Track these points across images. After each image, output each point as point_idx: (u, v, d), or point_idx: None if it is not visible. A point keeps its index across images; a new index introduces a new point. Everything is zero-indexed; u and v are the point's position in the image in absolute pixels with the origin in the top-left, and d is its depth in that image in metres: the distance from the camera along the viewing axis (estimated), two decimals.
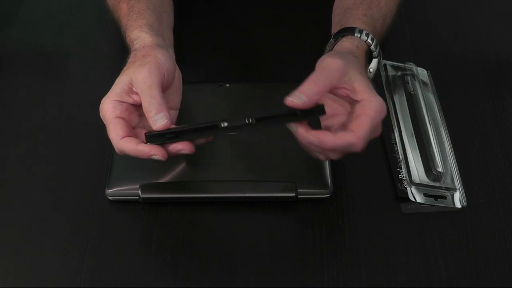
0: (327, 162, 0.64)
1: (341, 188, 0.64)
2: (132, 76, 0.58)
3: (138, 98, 0.58)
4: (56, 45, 0.79)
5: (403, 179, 0.65)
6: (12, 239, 0.62)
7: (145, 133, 0.56)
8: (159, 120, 0.56)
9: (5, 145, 0.69)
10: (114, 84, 0.59)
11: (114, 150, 0.64)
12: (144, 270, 0.59)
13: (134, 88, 0.58)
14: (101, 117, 0.58)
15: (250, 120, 0.55)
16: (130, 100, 0.58)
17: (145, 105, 0.56)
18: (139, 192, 0.62)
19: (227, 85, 0.71)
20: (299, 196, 0.62)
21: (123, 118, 0.57)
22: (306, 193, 0.63)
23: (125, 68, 0.60)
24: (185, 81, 0.72)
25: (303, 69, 0.77)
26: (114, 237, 0.62)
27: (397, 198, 0.64)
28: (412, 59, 0.76)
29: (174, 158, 0.64)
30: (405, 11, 0.82)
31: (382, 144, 0.68)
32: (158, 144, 0.56)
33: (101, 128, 0.69)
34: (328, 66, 0.58)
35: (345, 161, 0.67)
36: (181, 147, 0.57)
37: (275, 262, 0.60)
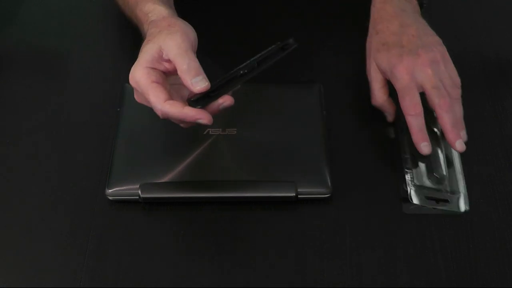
0: (327, 162, 0.64)
1: (341, 188, 0.64)
2: (162, 43, 0.58)
3: (169, 66, 0.58)
4: (56, 45, 0.79)
5: (410, 180, 0.64)
6: (12, 239, 0.62)
7: (188, 99, 0.58)
8: (200, 82, 0.57)
9: (5, 145, 0.69)
10: (141, 53, 0.59)
11: (114, 150, 0.65)
12: (144, 270, 0.59)
13: (164, 56, 0.58)
14: (134, 85, 0.58)
15: (256, 64, 0.62)
16: (161, 67, 0.59)
17: (183, 68, 0.57)
18: (139, 192, 0.62)
19: None
20: (299, 196, 0.62)
21: (159, 84, 0.57)
22: (306, 193, 0.63)
23: (149, 38, 0.60)
24: None
25: (303, 69, 0.78)
26: (114, 237, 0.62)
27: (398, 198, 0.64)
28: None
29: (174, 158, 0.64)
30: None
31: (388, 144, 0.68)
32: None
33: (101, 128, 0.70)
34: None
35: (346, 160, 0.67)
36: (223, 100, 0.58)
37: (275, 262, 0.60)
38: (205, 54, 0.78)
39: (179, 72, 0.57)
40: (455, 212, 0.63)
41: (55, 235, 0.62)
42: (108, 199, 0.63)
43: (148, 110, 0.70)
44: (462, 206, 0.63)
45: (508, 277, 0.59)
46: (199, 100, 0.57)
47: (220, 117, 0.67)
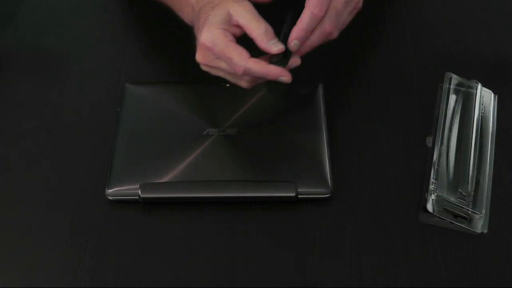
0: (327, 162, 0.64)
1: (341, 188, 0.64)
2: (231, 9, 0.60)
3: (237, 30, 0.61)
4: (56, 45, 0.79)
5: (433, 190, 0.63)
6: (12, 239, 0.62)
7: (270, 61, 0.60)
8: (276, 44, 0.59)
9: (5, 145, 0.69)
10: (209, 18, 0.60)
11: (114, 150, 0.65)
12: (144, 270, 0.59)
13: (233, 21, 0.60)
14: (210, 45, 0.59)
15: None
16: (232, 30, 0.60)
17: (260, 32, 0.59)
18: (139, 192, 0.62)
19: (227, 85, 0.71)
20: (299, 196, 0.62)
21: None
22: (306, 193, 0.63)
23: (212, 5, 0.61)
24: (185, 81, 0.73)
25: (303, 69, 0.77)
26: (114, 237, 0.62)
27: (398, 198, 0.64)
28: (413, 59, 0.76)
29: (174, 158, 0.64)
30: (404, 11, 0.82)
31: (388, 144, 0.68)
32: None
33: (101, 128, 0.69)
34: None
35: (346, 160, 0.67)
36: (294, 59, 0.62)
37: (275, 262, 0.60)
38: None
39: (254, 36, 0.59)
40: (472, 231, 0.62)
41: (55, 235, 0.62)
42: (108, 199, 0.63)
43: (148, 110, 0.70)
44: (480, 227, 0.62)
45: (508, 277, 0.59)
46: (278, 62, 0.60)
47: (220, 117, 0.68)
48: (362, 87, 0.73)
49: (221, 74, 0.63)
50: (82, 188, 0.65)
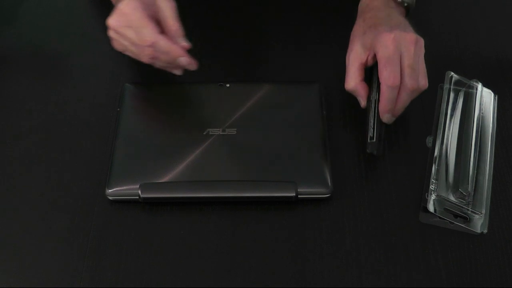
0: (327, 162, 0.64)
1: (341, 188, 0.64)
2: (158, 1, 0.66)
3: (154, 13, 0.66)
4: (56, 45, 0.79)
5: (433, 190, 0.63)
6: (12, 239, 0.62)
7: (367, 148, 0.65)
8: (185, 41, 0.67)
9: (5, 145, 0.69)
10: None
11: (114, 150, 0.65)
12: (144, 270, 0.59)
13: (155, 7, 0.66)
14: (127, 13, 0.65)
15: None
16: (152, 9, 0.66)
17: (175, 29, 0.66)
18: (139, 192, 0.62)
19: (227, 85, 0.71)
20: (299, 196, 0.62)
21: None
22: (306, 193, 0.63)
23: None
24: (185, 81, 0.73)
25: (303, 69, 0.77)
26: (114, 237, 0.62)
27: (398, 197, 0.64)
28: None
29: (174, 158, 0.64)
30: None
31: (387, 143, 0.68)
32: None
33: (101, 128, 0.70)
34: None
35: (346, 160, 0.67)
36: (189, 61, 0.67)
37: (275, 262, 0.60)
38: (207, 52, 0.79)
39: (169, 30, 0.66)
40: (472, 231, 0.62)
41: (55, 235, 0.62)
42: (108, 199, 0.63)
43: (148, 110, 0.70)
44: (480, 227, 0.62)
45: (508, 277, 0.59)
46: (374, 147, 0.65)
47: (220, 117, 0.68)
48: None
49: (125, 43, 0.67)
50: (82, 188, 0.65)
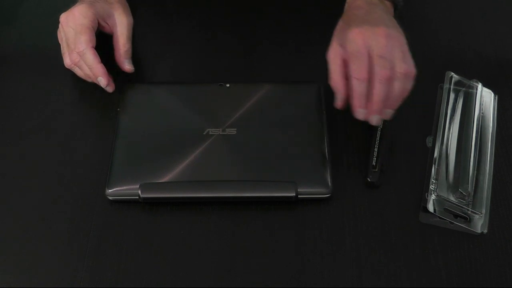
0: (327, 162, 0.64)
1: (341, 188, 0.64)
2: (117, 16, 0.71)
3: (102, 26, 0.71)
4: (56, 45, 0.79)
5: (433, 190, 0.63)
6: (12, 239, 0.62)
7: (366, 179, 0.65)
8: (129, 64, 0.72)
9: (6, 145, 0.69)
10: (96, 4, 0.69)
11: (114, 150, 0.65)
12: (144, 270, 0.59)
13: (109, 21, 0.71)
14: (76, 16, 0.68)
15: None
16: (100, 23, 0.71)
17: (125, 49, 0.71)
18: (139, 192, 0.62)
19: (227, 85, 0.71)
20: (299, 196, 0.62)
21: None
22: (306, 193, 0.63)
23: (107, 1, 0.71)
24: (185, 81, 0.73)
25: (303, 69, 0.77)
26: (114, 237, 0.62)
27: (398, 197, 0.64)
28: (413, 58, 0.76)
29: (174, 158, 0.64)
30: (404, 11, 0.82)
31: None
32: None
33: (101, 128, 0.69)
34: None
35: (346, 160, 0.67)
36: (126, 67, 0.73)
37: (275, 262, 0.60)
38: (207, 52, 0.79)
39: (118, 48, 0.71)
40: (472, 231, 0.62)
41: (55, 235, 0.62)
42: (108, 199, 0.63)
43: (148, 110, 0.70)
44: (480, 227, 0.62)
45: (508, 277, 0.59)
46: (375, 177, 0.64)
47: (220, 117, 0.68)
48: None
49: (63, 38, 0.71)
50: (82, 188, 0.65)
